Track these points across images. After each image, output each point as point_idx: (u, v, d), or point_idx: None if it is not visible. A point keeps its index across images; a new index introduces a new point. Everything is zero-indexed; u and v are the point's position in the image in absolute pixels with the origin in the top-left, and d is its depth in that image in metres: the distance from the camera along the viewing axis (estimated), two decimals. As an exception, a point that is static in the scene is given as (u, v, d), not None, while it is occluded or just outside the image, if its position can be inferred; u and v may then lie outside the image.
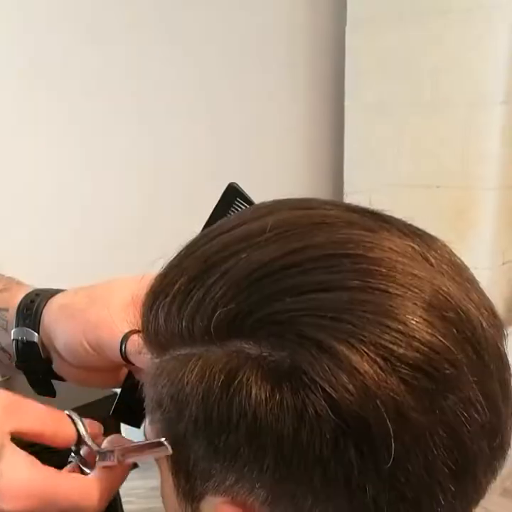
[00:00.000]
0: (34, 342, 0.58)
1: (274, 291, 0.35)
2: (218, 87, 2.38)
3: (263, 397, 0.34)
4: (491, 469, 0.38)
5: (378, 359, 0.33)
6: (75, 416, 0.46)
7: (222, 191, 0.54)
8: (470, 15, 2.24)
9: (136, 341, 0.44)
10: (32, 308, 0.58)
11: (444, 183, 2.41)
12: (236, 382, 0.34)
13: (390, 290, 0.34)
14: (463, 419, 0.34)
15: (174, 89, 2.26)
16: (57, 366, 0.59)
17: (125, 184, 2.20)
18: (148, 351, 0.41)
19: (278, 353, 0.34)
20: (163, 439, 0.39)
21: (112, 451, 0.44)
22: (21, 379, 0.62)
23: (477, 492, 0.38)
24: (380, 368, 0.33)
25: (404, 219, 0.41)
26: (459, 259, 0.40)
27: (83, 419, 0.47)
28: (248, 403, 0.34)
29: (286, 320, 0.34)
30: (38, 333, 0.57)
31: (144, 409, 0.42)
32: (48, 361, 0.59)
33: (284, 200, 0.42)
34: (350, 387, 0.32)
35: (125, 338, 0.52)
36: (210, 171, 2.33)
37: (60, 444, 0.46)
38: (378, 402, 0.32)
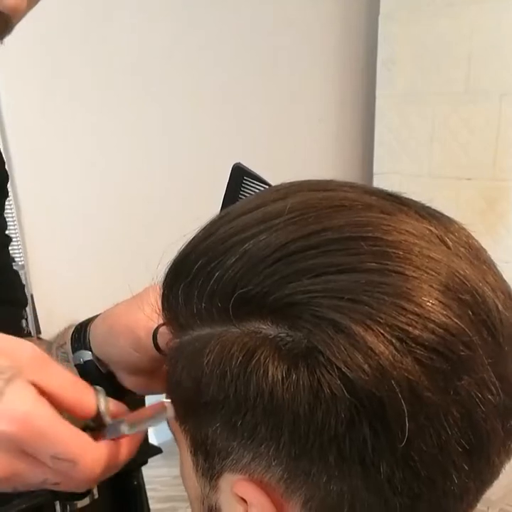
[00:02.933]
0: (89, 360, 0.60)
1: (292, 273, 0.35)
2: (251, 75, 2.38)
3: (280, 376, 0.34)
4: (505, 450, 0.38)
5: (394, 340, 0.33)
6: (100, 391, 0.46)
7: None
8: (504, 3, 2.21)
9: (165, 333, 0.45)
10: (81, 331, 0.61)
11: (474, 175, 2.39)
12: (253, 361, 0.35)
13: (407, 272, 0.35)
14: (477, 400, 0.35)
15: (203, 82, 2.27)
16: (120, 378, 0.60)
17: (157, 178, 2.21)
18: (169, 332, 0.42)
19: (295, 334, 0.34)
20: (167, 401, 0.40)
21: (120, 422, 0.44)
22: None
23: (491, 472, 0.38)
24: (396, 348, 0.33)
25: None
26: (477, 241, 0.40)
27: (108, 398, 0.46)
28: (265, 382, 0.34)
29: (303, 301, 0.35)
30: (91, 351, 0.59)
31: None
32: (110, 375, 0.60)
33: (302, 181, 0.42)
34: (366, 367, 0.33)
35: (156, 331, 0.53)
36: (243, 162, 2.33)
37: (78, 414, 0.44)
38: (393, 382, 0.33)
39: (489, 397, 0.35)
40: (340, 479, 0.35)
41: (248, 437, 0.37)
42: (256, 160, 2.46)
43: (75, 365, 0.61)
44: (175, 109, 2.20)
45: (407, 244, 0.36)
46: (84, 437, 0.42)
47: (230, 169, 0.51)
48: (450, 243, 0.37)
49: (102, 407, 0.45)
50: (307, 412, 0.34)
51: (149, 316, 0.51)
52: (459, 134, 2.40)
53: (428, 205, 0.41)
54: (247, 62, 2.36)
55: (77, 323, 0.63)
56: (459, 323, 0.34)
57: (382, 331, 0.33)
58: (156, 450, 0.85)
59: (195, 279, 0.38)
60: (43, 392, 0.42)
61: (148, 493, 0.91)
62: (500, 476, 0.39)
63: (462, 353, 0.34)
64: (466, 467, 0.36)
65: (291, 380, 0.34)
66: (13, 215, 1.93)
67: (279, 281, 0.35)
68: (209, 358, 0.37)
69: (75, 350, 0.61)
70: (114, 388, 0.62)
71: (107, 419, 0.45)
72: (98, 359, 0.60)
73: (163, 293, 0.41)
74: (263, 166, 2.28)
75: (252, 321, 0.36)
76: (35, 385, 0.41)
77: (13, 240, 1.90)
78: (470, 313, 0.35)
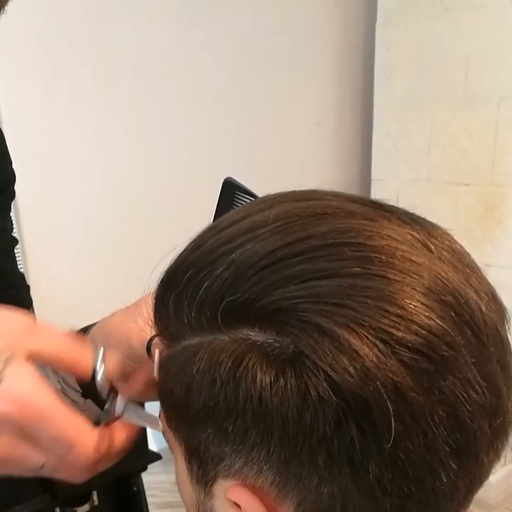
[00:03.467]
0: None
1: (278, 279, 0.36)
2: (248, 81, 2.39)
3: (268, 381, 0.35)
4: (494, 449, 0.39)
5: (378, 342, 0.34)
6: (98, 349, 0.46)
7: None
8: (502, 8, 2.22)
9: (158, 344, 0.46)
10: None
11: (473, 181, 2.39)
12: (242, 367, 0.36)
13: (389, 276, 0.35)
14: (462, 399, 0.35)
15: (203, 82, 2.28)
16: (115, 386, 0.61)
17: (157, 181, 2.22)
18: (161, 342, 0.43)
19: (282, 339, 0.35)
20: (159, 419, 0.41)
21: (115, 401, 0.45)
22: None
23: (480, 471, 0.39)
24: (380, 350, 0.34)
25: (413, 211, 0.41)
26: (460, 246, 0.41)
27: (104, 351, 0.47)
28: (254, 388, 0.35)
29: (289, 307, 0.35)
30: None
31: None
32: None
33: (287, 192, 0.43)
34: (351, 369, 0.34)
35: (150, 342, 0.53)
36: (240, 165, 2.34)
37: (77, 373, 0.46)
38: (378, 383, 0.34)
39: (474, 396, 0.36)
40: (331, 481, 0.36)
41: (239, 442, 0.37)
42: (254, 163, 2.48)
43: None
44: (175, 110, 2.22)
45: (389, 249, 0.37)
46: (81, 421, 0.43)
47: (221, 184, 0.52)
48: (433, 247, 0.38)
49: (99, 372, 0.46)
50: (295, 415, 0.35)
51: (142, 327, 0.52)
52: (457, 139, 2.41)
53: (412, 211, 0.41)
54: (246, 64, 2.37)
55: (75, 331, 0.63)
56: (441, 324, 0.35)
57: (366, 334, 0.34)
58: (156, 456, 0.86)
59: (185, 290, 0.39)
60: (41, 358, 0.43)
61: (148, 499, 0.91)
62: (500, 480, 0.40)
63: (445, 353, 0.35)
64: (454, 466, 0.36)
65: (279, 385, 0.35)
66: (12, 216, 1.93)
67: (266, 288, 0.36)
68: (199, 366, 0.38)
69: None
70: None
71: (99, 378, 0.46)
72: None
73: (154, 304, 0.42)
74: (261, 169, 2.30)
75: (241, 328, 0.37)
76: (33, 355, 0.43)
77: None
78: (453, 314, 0.36)
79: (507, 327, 0.40)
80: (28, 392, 0.41)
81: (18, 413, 0.40)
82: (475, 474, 0.39)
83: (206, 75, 2.27)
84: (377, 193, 2.64)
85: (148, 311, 0.44)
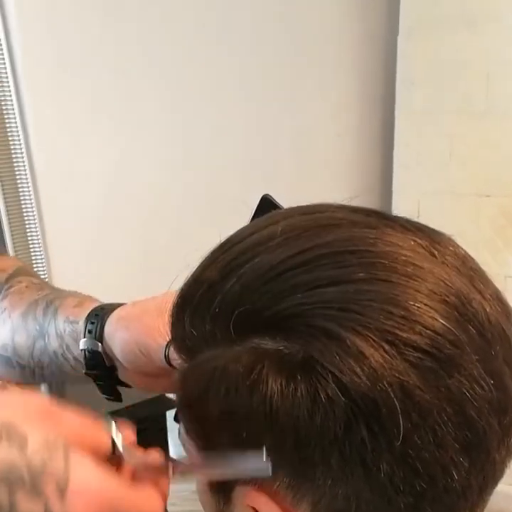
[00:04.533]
0: (98, 351, 0.63)
1: (286, 288, 0.38)
2: (270, 92, 2.40)
3: (279, 387, 0.36)
4: (505, 446, 0.39)
5: (383, 343, 0.35)
6: (109, 423, 0.44)
7: (264, 197, 0.57)
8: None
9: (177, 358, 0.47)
10: (96, 320, 0.64)
11: (494, 192, 2.39)
12: (254, 375, 0.37)
13: (393, 280, 0.37)
14: (468, 395, 0.36)
15: (224, 93, 2.30)
16: (121, 373, 0.64)
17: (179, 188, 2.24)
18: (179, 357, 0.45)
19: (292, 345, 0.37)
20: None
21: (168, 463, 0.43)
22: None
23: (493, 469, 0.40)
24: (385, 351, 0.35)
25: (446, 231, 0.43)
26: (464, 251, 0.42)
27: (116, 423, 0.45)
28: (266, 394, 0.37)
29: (297, 313, 0.37)
30: (101, 343, 0.63)
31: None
32: (114, 368, 0.64)
33: (295, 207, 0.45)
34: (358, 370, 0.35)
35: (169, 345, 0.56)
36: (261, 175, 2.36)
37: (101, 451, 0.42)
38: (385, 383, 0.35)
39: (481, 392, 0.37)
40: (345, 482, 0.37)
41: (254, 448, 0.38)
42: (274, 174, 2.49)
43: (81, 350, 0.64)
44: (195, 121, 2.25)
45: (392, 254, 0.38)
46: (151, 491, 0.43)
47: (259, 199, 0.54)
48: (436, 252, 0.40)
49: (118, 442, 0.44)
50: (307, 418, 0.36)
51: (163, 324, 0.55)
52: (478, 151, 2.40)
53: (415, 219, 0.42)
54: (267, 75, 2.39)
55: (96, 306, 0.66)
56: (445, 323, 0.36)
57: (371, 336, 0.35)
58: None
59: (199, 305, 0.41)
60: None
61: (168, 508, 0.92)
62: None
63: (450, 352, 0.36)
64: (465, 464, 0.37)
65: (290, 390, 0.36)
66: (35, 217, 1.97)
67: (274, 297, 0.38)
68: (214, 376, 0.39)
69: (85, 336, 0.64)
70: (113, 381, 0.65)
71: (125, 454, 0.44)
72: (105, 352, 0.63)
73: (171, 322, 0.44)
74: (281, 180, 2.30)
75: (252, 338, 0.38)
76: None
77: (36, 244, 1.94)
78: (456, 314, 0.37)
79: None
80: (99, 487, 0.39)
81: (99, 510, 0.38)
82: (487, 472, 0.39)
83: (227, 86, 2.29)
84: (398, 205, 2.64)
85: (165, 324, 0.45)
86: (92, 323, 0.64)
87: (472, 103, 2.39)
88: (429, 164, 2.55)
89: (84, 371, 0.66)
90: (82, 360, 0.65)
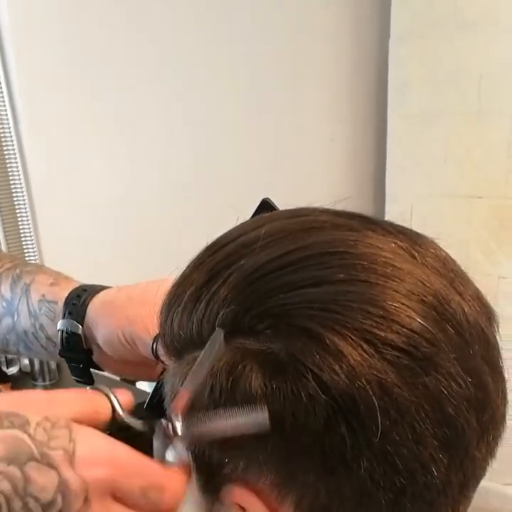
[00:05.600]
0: (78, 333, 0.62)
1: (269, 290, 0.39)
2: (263, 97, 2.42)
3: (262, 385, 0.37)
4: (485, 443, 0.40)
5: (362, 342, 0.36)
6: (107, 391, 0.44)
7: (259, 201, 0.57)
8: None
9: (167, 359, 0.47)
10: (78, 302, 0.63)
11: (487, 194, 2.40)
12: (237, 374, 0.38)
13: (372, 280, 0.38)
14: (446, 393, 0.37)
15: (217, 96, 2.32)
16: (97, 357, 0.64)
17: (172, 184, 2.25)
18: (168, 358, 0.45)
19: (275, 345, 0.37)
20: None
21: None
22: (67, 383, 0.66)
23: (473, 466, 0.40)
24: (364, 350, 0.36)
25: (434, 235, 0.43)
26: (446, 253, 0.42)
27: (114, 391, 0.45)
28: (249, 392, 0.37)
29: (280, 314, 0.38)
30: (82, 326, 0.62)
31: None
32: (89, 352, 0.64)
33: (281, 210, 0.47)
34: (337, 368, 0.36)
35: (157, 338, 0.56)
36: (255, 179, 2.37)
37: (101, 420, 0.43)
38: (363, 380, 0.36)
39: (459, 390, 0.37)
40: (326, 479, 0.38)
41: (239, 446, 0.39)
42: (267, 177, 2.49)
43: (59, 330, 0.63)
44: (189, 124, 2.27)
45: (372, 256, 0.39)
46: (159, 466, 0.42)
47: (259, 202, 0.55)
48: (416, 254, 0.40)
49: (118, 408, 0.44)
50: (288, 415, 0.37)
51: (151, 314, 0.55)
52: (472, 153, 2.41)
53: (401, 223, 0.44)
54: (259, 79, 2.41)
55: (76, 287, 0.65)
56: (422, 322, 0.37)
57: (350, 335, 0.36)
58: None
59: (186, 307, 0.42)
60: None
61: None
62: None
63: (426, 350, 0.37)
64: (444, 460, 0.38)
65: (271, 388, 0.37)
66: (28, 216, 1.97)
67: (258, 298, 0.39)
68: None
69: (65, 317, 0.63)
70: (88, 365, 0.65)
71: (124, 417, 0.44)
72: (84, 335, 0.63)
73: (160, 322, 0.45)
74: (274, 184, 2.31)
75: (237, 338, 0.39)
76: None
77: (29, 242, 1.94)
78: (434, 313, 0.38)
79: (495, 328, 0.42)
80: (109, 449, 0.39)
81: (109, 473, 0.38)
82: (467, 469, 0.40)
83: (221, 92, 2.32)
84: (391, 207, 2.65)
85: (159, 298, 0.45)
86: (74, 304, 0.63)
87: (465, 105, 2.40)
88: (423, 166, 2.56)
89: (58, 352, 0.64)
90: (56, 340, 0.64)
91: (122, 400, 0.45)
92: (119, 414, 0.44)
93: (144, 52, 2.12)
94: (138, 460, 0.40)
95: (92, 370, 0.66)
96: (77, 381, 0.67)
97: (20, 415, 0.37)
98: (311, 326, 0.37)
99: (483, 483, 0.43)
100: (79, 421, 0.40)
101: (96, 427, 0.41)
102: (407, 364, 0.36)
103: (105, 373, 0.68)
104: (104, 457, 0.38)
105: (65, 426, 0.38)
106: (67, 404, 0.42)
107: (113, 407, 0.44)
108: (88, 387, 0.45)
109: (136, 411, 0.46)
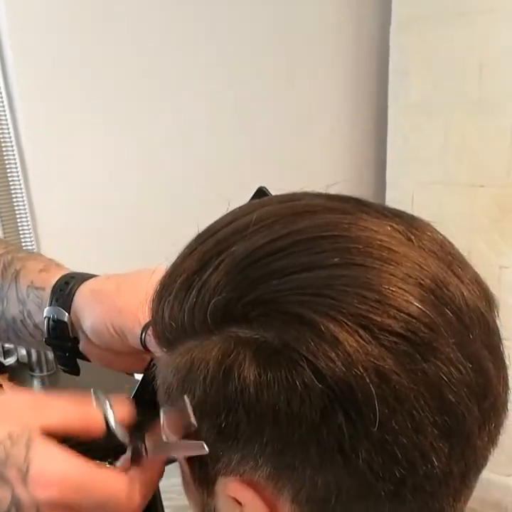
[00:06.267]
0: (64, 321, 0.61)
1: (261, 276, 0.37)
2: (263, 86, 2.41)
3: (256, 375, 0.36)
4: (486, 432, 0.39)
5: (358, 328, 0.35)
6: (103, 401, 0.45)
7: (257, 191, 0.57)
8: (515, 12, 2.22)
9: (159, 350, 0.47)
10: (66, 289, 0.62)
11: (488, 182, 2.39)
12: (230, 364, 0.37)
13: (367, 264, 0.36)
14: (446, 379, 0.36)
15: (219, 88, 2.31)
16: (83, 346, 0.62)
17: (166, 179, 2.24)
18: (160, 349, 0.44)
19: (268, 333, 0.36)
20: (203, 443, 0.40)
21: (142, 444, 0.44)
22: (64, 375, 0.65)
23: (474, 455, 0.39)
24: (360, 336, 0.35)
25: (435, 221, 0.42)
26: (443, 236, 0.41)
27: (111, 399, 0.46)
28: (243, 382, 0.36)
29: (272, 300, 0.37)
30: (69, 314, 0.61)
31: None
32: (75, 341, 0.62)
33: (272, 196, 0.46)
34: (333, 355, 0.34)
35: (146, 328, 0.55)
36: (255, 169, 2.36)
37: (92, 433, 0.45)
38: (360, 367, 0.34)
39: (459, 376, 0.36)
40: (324, 470, 0.37)
41: (233, 438, 0.38)
42: (268, 167, 2.49)
43: (45, 317, 0.62)
44: (191, 116, 2.27)
45: (367, 239, 0.37)
46: (122, 475, 0.44)
47: (254, 191, 0.54)
48: (413, 237, 0.39)
49: (112, 423, 0.45)
50: (284, 406, 0.36)
51: (140, 304, 0.53)
52: (472, 141, 2.40)
53: (425, 214, 0.42)
54: (260, 69, 2.40)
55: (64, 274, 0.63)
56: (420, 306, 0.36)
57: (345, 321, 0.35)
58: (172, 459, 0.87)
59: (177, 296, 0.41)
60: (53, 430, 0.43)
61: (164, 503, 0.91)
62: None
63: (425, 335, 0.35)
64: (445, 449, 0.37)
65: (266, 378, 0.36)
66: (27, 215, 1.96)
67: (250, 285, 0.38)
68: (192, 367, 0.39)
69: (51, 303, 0.62)
70: (74, 354, 0.63)
71: (119, 433, 0.45)
72: (71, 323, 0.61)
73: (151, 314, 0.44)
74: (275, 173, 2.31)
75: (230, 327, 0.38)
76: (45, 430, 0.43)
77: (27, 236, 1.95)
78: (432, 297, 0.36)
79: (495, 313, 0.40)
80: (60, 469, 0.41)
81: (59, 494, 0.40)
82: (468, 458, 0.39)
83: (220, 81, 2.30)
84: (392, 196, 2.64)
85: (149, 288, 0.45)
86: (61, 291, 0.62)
87: (466, 94, 2.39)
88: (423, 155, 2.55)
89: (44, 339, 0.63)
90: (43, 328, 0.63)
91: (119, 411, 0.45)
92: (112, 428, 0.44)
93: (143, 52, 2.11)
94: (91, 476, 0.42)
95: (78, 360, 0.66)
96: (63, 370, 0.66)
97: None
98: (305, 312, 0.35)
99: (485, 474, 0.42)
100: (66, 431, 0.43)
101: (87, 438, 0.43)
102: (406, 350, 0.35)
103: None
104: (55, 477, 0.41)
105: (24, 444, 0.40)
106: (57, 414, 0.43)
107: (107, 420, 0.44)
108: (92, 392, 0.45)
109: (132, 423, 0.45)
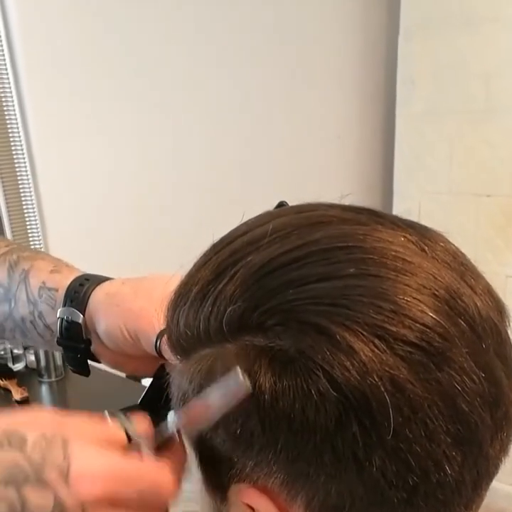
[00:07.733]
0: (78, 322, 0.61)
1: (277, 286, 0.38)
2: (270, 94, 2.42)
3: (271, 383, 0.36)
4: (498, 440, 0.39)
5: (373, 338, 0.35)
6: (119, 417, 0.44)
7: (267, 198, 0.57)
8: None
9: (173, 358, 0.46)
10: (80, 291, 0.62)
11: (494, 192, 2.39)
12: (246, 372, 0.37)
13: (382, 274, 0.37)
14: (459, 389, 0.36)
15: (223, 94, 2.32)
16: (95, 348, 0.63)
17: (183, 184, 2.25)
18: (174, 357, 0.44)
19: (283, 342, 0.37)
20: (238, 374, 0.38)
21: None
22: (74, 379, 0.65)
23: (487, 464, 0.39)
24: (375, 345, 0.35)
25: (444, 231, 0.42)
26: (455, 246, 0.42)
27: (129, 416, 0.45)
28: (258, 390, 0.37)
29: (288, 310, 0.37)
30: (83, 315, 0.61)
31: (171, 402, 0.44)
32: (88, 342, 0.62)
33: (287, 207, 0.46)
34: (348, 364, 0.35)
35: (161, 335, 0.55)
36: (260, 176, 2.36)
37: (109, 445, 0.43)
38: (375, 376, 0.35)
39: (472, 386, 0.37)
40: (338, 478, 0.37)
41: (248, 445, 0.38)
42: (274, 175, 2.49)
43: (58, 318, 0.62)
44: (194, 122, 2.26)
45: (382, 250, 0.38)
46: (155, 462, 0.43)
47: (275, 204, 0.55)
48: (426, 248, 0.40)
49: (134, 435, 0.43)
50: (298, 414, 0.36)
51: (156, 309, 0.54)
52: (478, 151, 2.41)
53: (431, 224, 0.43)
54: (267, 76, 2.40)
55: (79, 276, 0.64)
56: (434, 316, 0.36)
57: (361, 330, 0.35)
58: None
59: (193, 304, 0.41)
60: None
61: (170, 509, 0.91)
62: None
63: (439, 345, 0.36)
64: (458, 458, 0.37)
65: (281, 386, 0.36)
66: (36, 217, 1.97)
67: (266, 294, 0.38)
68: (208, 374, 0.39)
69: (66, 305, 0.62)
70: (85, 355, 0.64)
71: (142, 446, 0.44)
72: (85, 324, 0.62)
73: (166, 321, 0.44)
74: (281, 181, 2.30)
75: (245, 335, 0.38)
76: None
77: (36, 239, 1.95)
78: (446, 307, 0.37)
79: (507, 323, 0.41)
80: (102, 463, 0.39)
81: (105, 489, 0.38)
82: (481, 466, 0.39)
83: (226, 88, 2.31)
84: (398, 206, 2.65)
85: (164, 294, 0.45)
86: (76, 293, 0.62)
87: (472, 103, 2.40)
88: (430, 164, 2.55)
89: (56, 340, 0.63)
90: (55, 328, 0.63)
91: (139, 429, 0.44)
92: (133, 438, 0.43)
93: (153, 53, 2.12)
94: (131, 466, 0.41)
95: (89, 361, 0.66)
96: (73, 371, 0.66)
97: (18, 433, 0.38)
98: (321, 321, 0.36)
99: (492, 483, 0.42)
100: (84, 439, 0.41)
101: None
102: (420, 359, 0.35)
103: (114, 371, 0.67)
104: (100, 472, 0.39)
105: (61, 443, 0.39)
106: (78, 432, 0.42)
107: (128, 437, 0.43)
108: (106, 412, 0.44)
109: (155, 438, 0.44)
